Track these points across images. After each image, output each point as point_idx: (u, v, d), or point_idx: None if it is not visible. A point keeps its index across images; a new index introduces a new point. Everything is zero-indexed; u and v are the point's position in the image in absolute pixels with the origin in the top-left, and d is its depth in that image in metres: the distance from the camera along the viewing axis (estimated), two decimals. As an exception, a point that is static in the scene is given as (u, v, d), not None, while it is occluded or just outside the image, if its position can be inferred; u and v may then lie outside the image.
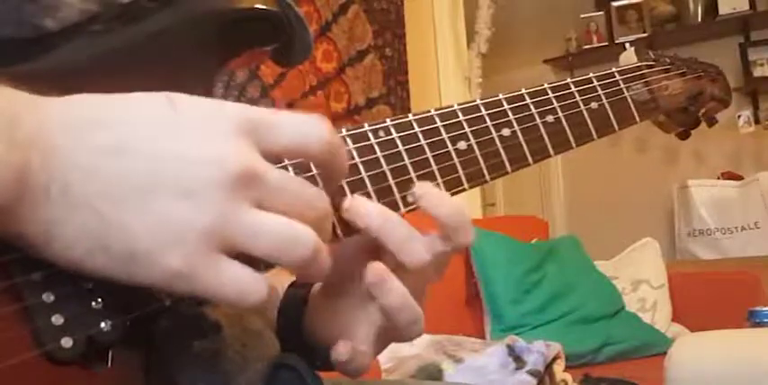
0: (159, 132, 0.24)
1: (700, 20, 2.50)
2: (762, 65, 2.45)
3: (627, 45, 0.53)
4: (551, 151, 0.41)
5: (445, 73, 2.05)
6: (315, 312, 0.38)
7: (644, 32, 2.60)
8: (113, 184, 0.23)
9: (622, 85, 0.45)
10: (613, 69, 0.46)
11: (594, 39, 2.70)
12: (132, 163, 0.23)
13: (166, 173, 0.23)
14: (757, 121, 2.40)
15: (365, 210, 0.31)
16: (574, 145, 0.42)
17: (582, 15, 2.73)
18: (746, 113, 2.38)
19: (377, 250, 0.32)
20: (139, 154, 0.23)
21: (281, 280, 0.41)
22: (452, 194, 0.37)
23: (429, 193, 0.33)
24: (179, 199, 0.23)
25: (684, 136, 0.56)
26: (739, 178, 2.37)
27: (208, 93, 0.31)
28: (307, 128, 0.26)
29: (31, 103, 0.23)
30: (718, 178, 2.42)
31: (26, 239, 0.23)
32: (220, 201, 0.23)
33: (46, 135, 0.23)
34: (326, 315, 0.37)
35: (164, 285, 0.24)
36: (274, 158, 0.26)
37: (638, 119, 0.46)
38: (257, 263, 0.25)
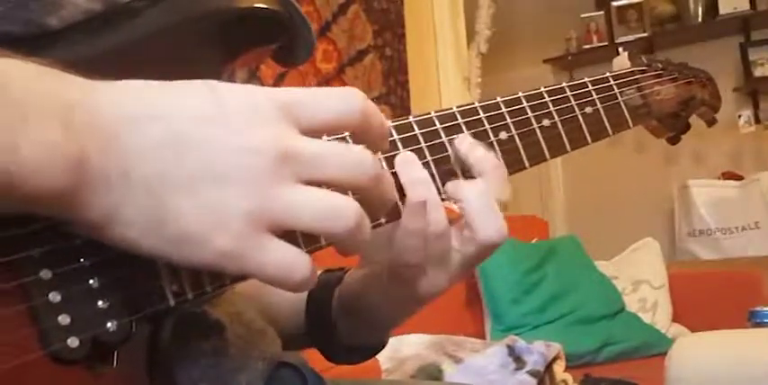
0: (205, 123, 0.25)
1: (700, 20, 2.50)
2: (762, 64, 2.44)
3: (620, 49, 0.53)
4: (547, 155, 0.41)
5: (445, 73, 2.05)
6: (348, 286, 0.40)
7: (644, 32, 2.60)
8: (168, 171, 0.24)
9: (616, 90, 0.46)
10: (607, 74, 0.47)
11: (594, 38, 2.70)
12: (182, 152, 0.24)
13: (210, 161, 0.24)
14: (758, 121, 2.40)
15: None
16: (569, 149, 0.42)
17: (582, 15, 2.73)
18: (747, 113, 2.38)
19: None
20: (189, 144, 0.24)
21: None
22: None
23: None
24: (222, 184, 0.24)
25: (675, 141, 0.56)
26: (740, 178, 2.37)
27: None
28: (341, 101, 0.27)
29: (83, 87, 0.24)
30: (719, 178, 2.42)
31: (87, 223, 0.24)
32: (262, 184, 0.24)
33: (101, 124, 0.24)
34: (358, 285, 0.39)
35: (213, 266, 0.25)
36: (317, 135, 0.27)
37: (630, 124, 0.47)
38: (298, 245, 0.26)
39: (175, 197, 0.24)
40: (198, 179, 0.24)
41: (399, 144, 0.36)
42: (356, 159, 0.26)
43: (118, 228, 0.24)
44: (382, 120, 0.29)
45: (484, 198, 0.34)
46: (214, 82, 0.26)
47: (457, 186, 0.35)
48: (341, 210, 0.25)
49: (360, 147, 0.27)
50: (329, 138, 0.31)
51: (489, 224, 0.34)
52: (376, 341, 0.42)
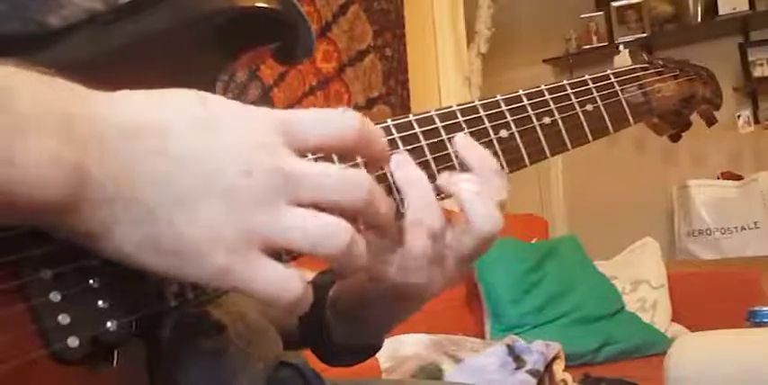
0: (206, 138, 0.25)
1: (699, 20, 2.50)
2: (761, 65, 2.45)
3: (621, 47, 0.54)
4: (548, 153, 0.41)
5: (445, 73, 2.05)
6: (339, 290, 0.40)
7: (643, 33, 2.60)
8: (162, 186, 0.24)
9: (617, 88, 0.46)
10: (608, 71, 0.47)
11: (594, 39, 2.70)
12: (179, 166, 0.24)
13: (209, 176, 0.24)
14: (757, 121, 2.40)
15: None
16: (570, 147, 0.42)
17: (582, 15, 2.73)
18: (746, 113, 2.39)
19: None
20: (185, 158, 0.24)
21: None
22: None
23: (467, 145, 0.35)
24: (222, 200, 0.24)
25: (676, 138, 0.56)
26: (739, 178, 2.37)
27: (210, 91, 0.31)
28: (334, 121, 0.27)
29: (83, 98, 0.24)
30: (718, 178, 2.42)
31: (82, 235, 0.24)
32: (260, 201, 0.24)
33: (101, 137, 0.24)
34: (349, 290, 0.38)
35: (207, 281, 0.25)
36: (311, 154, 0.27)
37: (632, 121, 0.46)
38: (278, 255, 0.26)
39: (171, 211, 0.24)
40: (196, 194, 0.24)
41: (399, 142, 0.36)
42: (351, 183, 0.26)
43: (113, 242, 0.24)
44: (380, 136, 0.29)
45: (478, 187, 0.34)
46: (207, 95, 0.26)
47: (450, 177, 0.35)
48: (334, 232, 0.25)
49: (354, 170, 0.27)
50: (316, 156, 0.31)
51: (484, 212, 0.33)
52: (371, 342, 0.42)
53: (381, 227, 0.29)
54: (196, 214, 0.24)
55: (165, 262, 0.24)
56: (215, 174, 0.24)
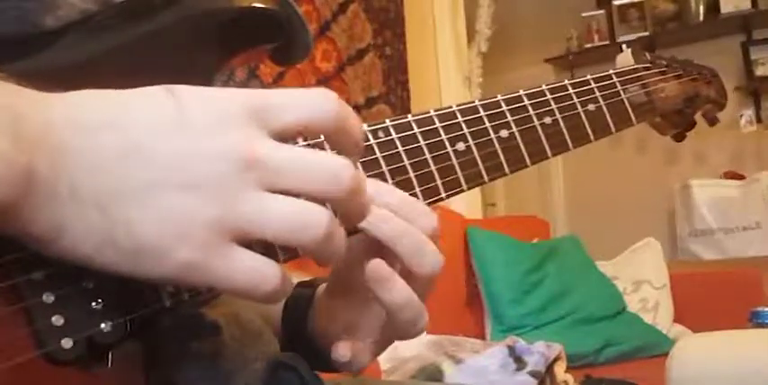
0: (163, 130, 0.24)
1: (701, 19, 2.50)
2: (764, 64, 2.44)
3: (624, 46, 0.53)
4: (549, 153, 0.41)
5: (445, 72, 2.05)
6: (320, 311, 0.38)
7: (645, 31, 2.60)
8: (119, 182, 0.23)
9: (619, 88, 0.46)
10: (610, 71, 0.47)
11: (596, 38, 2.70)
12: (137, 162, 0.23)
13: (170, 168, 0.23)
14: (759, 121, 2.40)
15: (379, 217, 0.31)
16: (571, 146, 0.42)
17: (583, 14, 2.73)
18: (748, 113, 2.38)
19: (383, 248, 0.32)
20: (144, 153, 0.23)
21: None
22: (449, 195, 0.37)
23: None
24: (183, 192, 0.23)
25: (680, 138, 0.56)
26: (741, 178, 2.37)
27: None
28: (313, 102, 0.26)
29: (35, 100, 0.23)
30: (720, 178, 2.42)
31: (33, 237, 0.23)
32: (225, 190, 0.23)
33: (52, 134, 0.23)
34: (331, 314, 0.37)
35: (174, 279, 0.24)
36: (289, 138, 0.26)
37: (634, 121, 0.46)
38: (275, 253, 0.25)
39: (128, 209, 0.23)
40: (155, 187, 0.23)
41: (398, 142, 0.35)
42: (328, 169, 0.24)
43: (67, 244, 0.23)
44: (357, 123, 0.27)
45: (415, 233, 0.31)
46: (176, 87, 0.25)
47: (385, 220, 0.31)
48: (310, 220, 0.24)
49: (337, 158, 0.25)
50: (305, 143, 0.30)
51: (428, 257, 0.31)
52: None
53: (362, 217, 0.27)
54: (161, 208, 0.23)
55: (126, 262, 0.23)
56: (179, 164, 0.23)
